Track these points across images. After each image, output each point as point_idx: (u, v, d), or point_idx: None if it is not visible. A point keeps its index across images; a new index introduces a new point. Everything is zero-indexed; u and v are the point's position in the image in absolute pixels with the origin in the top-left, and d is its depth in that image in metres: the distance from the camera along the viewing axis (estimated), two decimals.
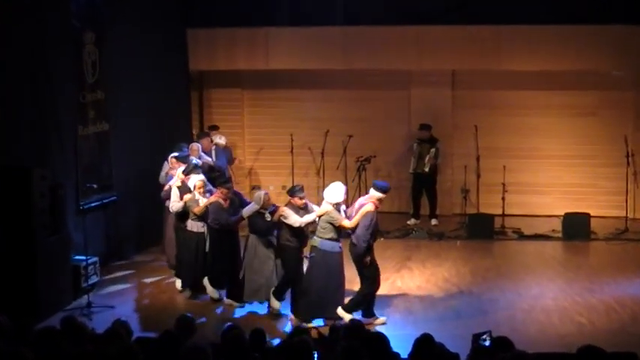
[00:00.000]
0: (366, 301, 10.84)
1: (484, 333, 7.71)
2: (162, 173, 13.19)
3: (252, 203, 11.37)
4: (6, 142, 11.34)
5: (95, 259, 12.30)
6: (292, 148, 16.34)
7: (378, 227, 10.86)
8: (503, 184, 15.47)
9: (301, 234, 11.05)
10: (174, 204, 11.95)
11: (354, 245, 10.68)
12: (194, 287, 12.01)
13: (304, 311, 10.79)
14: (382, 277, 11.22)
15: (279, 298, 11.13)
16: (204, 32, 16.28)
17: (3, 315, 7.45)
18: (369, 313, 10.84)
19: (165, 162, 13.17)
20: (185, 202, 11.86)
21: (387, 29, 15.94)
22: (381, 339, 7.11)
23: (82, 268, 11.86)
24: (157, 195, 12.85)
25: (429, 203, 16.02)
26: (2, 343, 6.81)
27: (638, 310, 11.26)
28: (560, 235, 14.87)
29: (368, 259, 10.69)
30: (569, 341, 9.72)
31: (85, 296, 11.54)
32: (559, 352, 8.74)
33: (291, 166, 16.34)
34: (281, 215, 10.95)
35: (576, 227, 14.75)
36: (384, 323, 10.77)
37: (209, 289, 11.75)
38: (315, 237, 10.87)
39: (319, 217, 10.78)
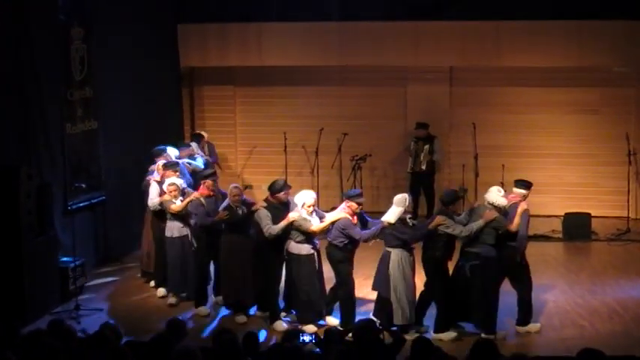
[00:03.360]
0: (530, 305, 10.46)
1: None
2: (156, 199, 11.84)
3: (394, 206, 10.12)
4: None
5: (83, 260, 12.13)
6: (286, 147, 16.15)
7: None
8: (502, 184, 15.23)
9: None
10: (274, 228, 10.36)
11: (512, 248, 10.26)
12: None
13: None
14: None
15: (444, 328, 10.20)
16: (195, 27, 16.15)
17: None
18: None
19: (153, 183, 12.00)
20: (292, 222, 10.25)
21: (383, 24, 15.80)
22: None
23: (69, 270, 11.75)
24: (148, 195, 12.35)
25: (427, 203, 15.79)
26: None
27: None
28: (560, 235, 14.77)
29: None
30: (570, 344, 9.68)
31: (73, 299, 11.39)
32: (560, 356, 8.88)
33: (284, 165, 16.16)
34: (439, 225, 10.04)
35: (577, 227, 14.65)
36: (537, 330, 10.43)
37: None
38: (478, 243, 10.16)
39: (488, 222, 10.05)
